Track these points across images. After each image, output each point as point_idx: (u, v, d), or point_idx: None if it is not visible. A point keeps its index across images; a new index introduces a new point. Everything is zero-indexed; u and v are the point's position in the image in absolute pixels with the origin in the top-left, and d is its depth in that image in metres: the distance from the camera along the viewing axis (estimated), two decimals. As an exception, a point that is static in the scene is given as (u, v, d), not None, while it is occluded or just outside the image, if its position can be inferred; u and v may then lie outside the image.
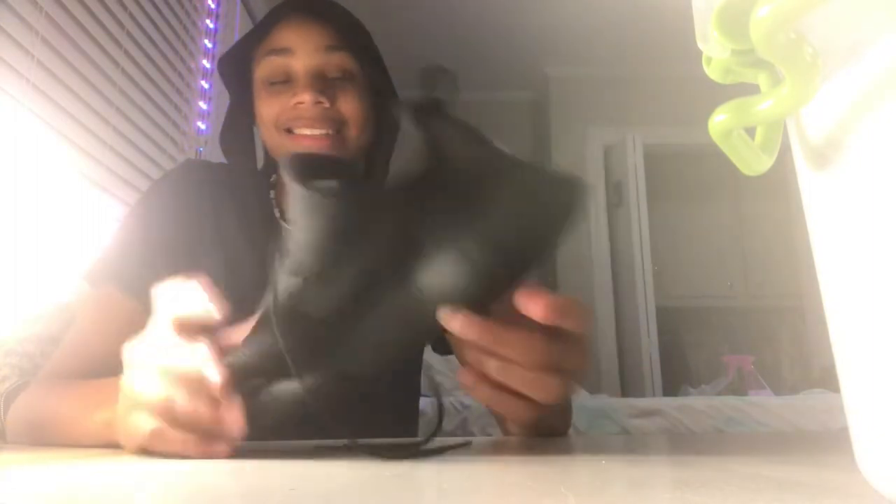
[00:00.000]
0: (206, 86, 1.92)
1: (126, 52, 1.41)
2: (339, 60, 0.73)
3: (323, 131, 0.71)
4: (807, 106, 0.21)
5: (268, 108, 0.73)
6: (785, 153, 0.25)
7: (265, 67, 0.73)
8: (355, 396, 0.40)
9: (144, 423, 0.39)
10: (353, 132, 0.74)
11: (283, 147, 0.73)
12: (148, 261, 0.69)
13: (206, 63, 1.92)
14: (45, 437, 0.56)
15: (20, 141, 1.04)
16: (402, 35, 3.00)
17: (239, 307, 0.75)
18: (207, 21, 1.96)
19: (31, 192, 1.07)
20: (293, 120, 0.72)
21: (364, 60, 0.75)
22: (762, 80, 0.25)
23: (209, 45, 1.95)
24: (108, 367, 0.66)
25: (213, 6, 2.00)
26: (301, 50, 0.72)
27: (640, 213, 3.05)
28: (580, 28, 2.99)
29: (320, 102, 0.71)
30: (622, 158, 3.16)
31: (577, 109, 3.39)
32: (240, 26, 2.18)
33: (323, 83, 0.72)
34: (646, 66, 3.26)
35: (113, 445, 0.45)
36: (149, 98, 1.53)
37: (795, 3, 0.18)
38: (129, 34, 1.42)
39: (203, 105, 1.90)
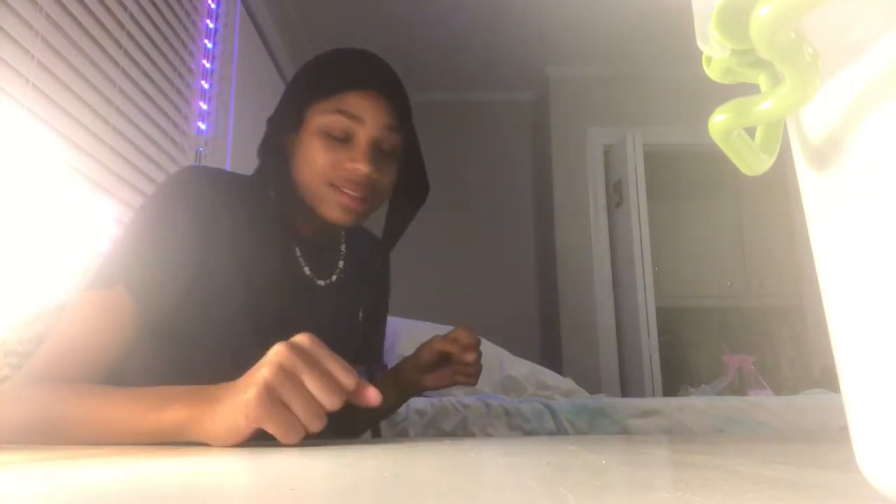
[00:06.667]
0: (206, 86, 1.92)
1: (126, 52, 1.40)
2: (394, 140, 0.80)
3: (361, 195, 0.77)
4: (807, 106, 0.21)
5: (321, 158, 0.77)
6: (785, 153, 0.25)
7: (329, 121, 0.77)
8: None
9: (274, 407, 0.48)
10: (379, 200, 0.82)
11: (320, 195, 0.78)
12: (161, 271, 0.70)
13: (206, 63, 1.92)
14: (57, 436, 0.58)
15: (20, 141, 1.04)
16: (402, 34, 3.00)
17: (254, 312, 0.78)
18: (207, 21, 1.96)
19: (30, 192, 1.07)
20: (342, 179, 0.77)
21: (406, 142, 0.83)
22: (762, 80, 0.25)
23: (209, 45, 1.95)
24: (100, 371, 0.66)
25: (213, 6, 2.00)
26: (371, 123, 0.77)
27: (640, 213, 3.05)
28: (580, 28, 2.98)
29: (372, 176, 0.77)
30: (622, 158, 3.16)
31: (577, 109, 3.38)
32: (240, 26, 2.18)
33: (377, 155, 0.79)
34: (645, 66, 3.26)
35: (175, 441, 0.53)
36: (149, 98, 1.53)
37: (795, 3, 0.18)
38: (129, 34, 1.42)
39: (203, 105, 1.90)
